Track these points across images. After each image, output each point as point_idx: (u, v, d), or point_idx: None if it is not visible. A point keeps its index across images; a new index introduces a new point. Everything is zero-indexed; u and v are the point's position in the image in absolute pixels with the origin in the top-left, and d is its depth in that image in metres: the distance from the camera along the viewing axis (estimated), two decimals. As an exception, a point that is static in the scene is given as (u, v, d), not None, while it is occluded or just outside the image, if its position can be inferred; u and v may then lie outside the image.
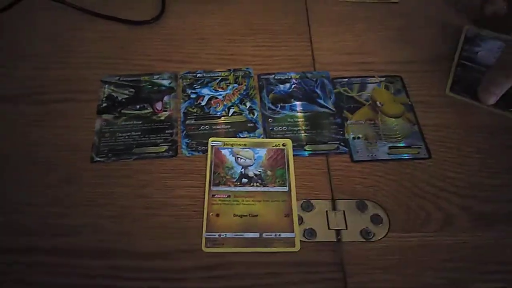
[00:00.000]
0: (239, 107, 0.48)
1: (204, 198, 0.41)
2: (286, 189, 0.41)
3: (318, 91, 0.49)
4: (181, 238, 0.38)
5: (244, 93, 0.49)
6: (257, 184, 0.42)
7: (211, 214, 0.40)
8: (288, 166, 0.43)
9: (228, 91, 0.49)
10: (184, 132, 0.45)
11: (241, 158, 0.43)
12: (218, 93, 0.49)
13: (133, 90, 0.49)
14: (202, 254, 0.38)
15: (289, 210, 0.40)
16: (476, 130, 0.46)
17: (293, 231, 0.39)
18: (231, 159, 0.43)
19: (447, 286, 0.37)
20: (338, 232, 0.39)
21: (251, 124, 0.46)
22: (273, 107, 0.48)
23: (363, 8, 0.58)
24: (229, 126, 0.46)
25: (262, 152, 0.44)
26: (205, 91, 0.49)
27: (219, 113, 0.47)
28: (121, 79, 0.50)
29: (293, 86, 0.49)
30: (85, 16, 0.56)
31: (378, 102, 0.48)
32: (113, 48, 0.53)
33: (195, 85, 0.49)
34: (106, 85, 0.49)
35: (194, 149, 0.44)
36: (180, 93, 0.49)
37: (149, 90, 0.49)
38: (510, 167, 0.43)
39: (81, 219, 0.39)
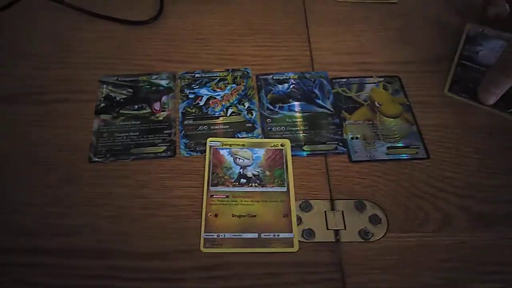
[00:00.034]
0: (237, 107, 0.48)
1: (202, 198, 0.41)
2: (284, 189, 0.41)
3: (316, 91, 0.49)
4: (179, 238, 0.38)
5: (243, 93, 0.49)
6: (256, 184, 0.42)
7: (209, 214, 0.40)
8: (287, 166, 0.43)
9: (226, 91, 0.49)
10: (183, 132, 0.45)
11: (239, 159, 0.43)
12: (216, 93, 0.49)
13: (131, 90, 0.49)
14: (201, 255, 0.38)
15: (288, 211, 0.40)
16: (474, 130, 0.46)
17: (291, 232, 0.39)
18: (229, 159, 0.43)
19: (445, 286, 0.37)
20: (336, 232, 0.39)
21: (250, 124, 0.46)
22: (272, 107, 0.48)
23: (362, 9, 0.58)
24: (228, 126, 0.46)
25: (261, 152, 0.44)
26: (203, 91, 0.49)
27: (217, 113, 0.47)
28: (119, 79, 0.50)
29: (291, 86, 0.49)
30: (84, 16, 0.56)
31: (376, 102, 0.48)
32: (112, 48, 0.53)
33: (193, 85, 0.49)
34: (104, 85, 0.49)
35: (192, 149, 0.44)
36: (178, 93, 0.49)
37: (147, 90, 0.49)
38: (508, 167, 0.43)
39: (80, 219, 0.39)
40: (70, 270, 0.37)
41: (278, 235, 0.39)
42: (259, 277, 0.37)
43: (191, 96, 0.49)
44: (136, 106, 0.47)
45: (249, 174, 0.42)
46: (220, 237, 0.38)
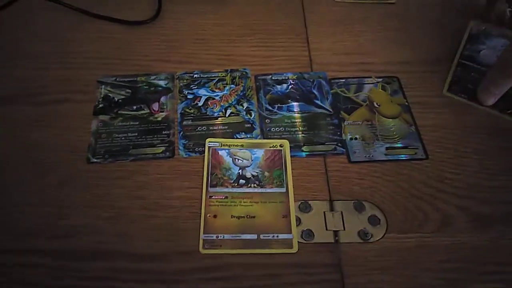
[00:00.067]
0: (236, 108, 0.48)
1: (201, 199, 0.41)
2: (283, 190, 0.41)
3: (315, 91, 0.49)
4: (178, 239, 0.38)
5: (241, 94, 0.49)
6: (255, 185, 0.42)
7: (208, 215, 0.40)
8: (286, 167, 0.43)
9: (225, 92, 0.49)
10: (181, 133, 0.45)
11: (238, 159, 0.43)
12: (215, 94, 0.49)
13: (129, 90, 0.49)
14: (200, 256, 0.38)
15: (287, 211, 0.40)
16: (473, 131, 0.46)
17: (290, 232, 0.39)
18: (228, 160, 0.43)
19: (445, 287, 0.37)
20: (335, 233, 0.39)
21: (248, 125, 0.46)
22: (270, 108, 0.48)
23: (361, 9, 0.58)
24: (226, 127, 0.46)
25: (260, 153, 0.44)
26: (202, 91, 0.49)
27: (216, 113, 0.47)
28: (117, 79, 0.50)
29: (290, 86, 0.49)
30: (83, 16, 0.56)
31: (375, 103, 0.48)
32: (111, 49, 0.53)
33: (192, 86, 0.49)
34: (103, 86, 0.49)
35: (191, 150, 0.44)
36: (177, 93, 0.49)
37: (146, 90, 0.49)
38: (507, 168, 0.43)
39: (80, 220, 0.39)
40: (69, 270, 0.37)
41: (277, 236, 0.39)
42: (258, 278, 0.37)
43: (189, 96, 0.48)
44: (134, 107, 0.47)
45: (248, 174, 0.42)
46: (219, 238, 0.38)
